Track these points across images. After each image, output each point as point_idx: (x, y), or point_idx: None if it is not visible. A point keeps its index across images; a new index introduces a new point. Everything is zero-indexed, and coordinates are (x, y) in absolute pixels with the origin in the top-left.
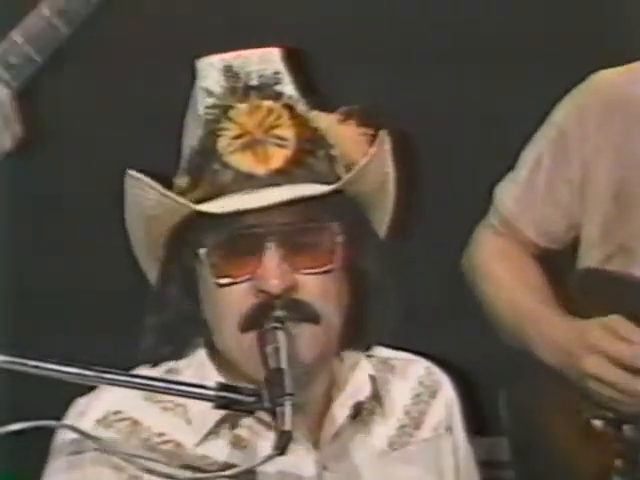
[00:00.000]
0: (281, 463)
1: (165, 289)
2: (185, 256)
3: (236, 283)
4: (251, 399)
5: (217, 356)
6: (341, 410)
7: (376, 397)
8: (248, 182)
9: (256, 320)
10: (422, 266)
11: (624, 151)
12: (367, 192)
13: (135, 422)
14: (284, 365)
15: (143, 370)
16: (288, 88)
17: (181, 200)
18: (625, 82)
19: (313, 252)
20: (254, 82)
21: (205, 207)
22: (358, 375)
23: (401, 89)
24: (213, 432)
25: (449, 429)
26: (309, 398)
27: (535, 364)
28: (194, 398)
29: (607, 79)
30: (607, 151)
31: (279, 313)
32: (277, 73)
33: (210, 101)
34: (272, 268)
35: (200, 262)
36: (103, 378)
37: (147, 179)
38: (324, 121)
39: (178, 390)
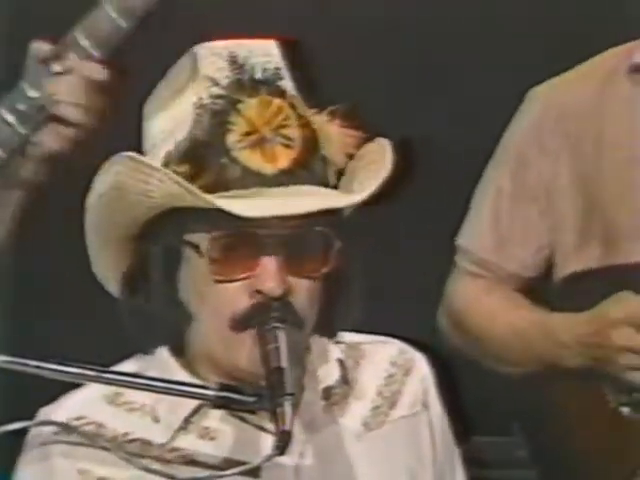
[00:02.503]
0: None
1: (143, 271)
2: (170, 240)
3: (232, 281)
4: (251, 399)
5: (183, 354)
6: (313, 396)
7: (345, 380)
8: (255, 179)
9: (251, 320)
10: (405, 250)
11: (579, 150)
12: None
13: (99, 425)
14: (284, 364)
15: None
16: (289, 85)
17: (208, 198)
18: (567, 90)
19: (310, 258)
20: (259, 75)
21: (230, 207)
22: (326, 361)
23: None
24: (182, 427)
25: (425, 405)
26: None
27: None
28: (194, 398)
29: (551, 92)
30: (564, 155)
31: (275, 314)
32: (278, 69)
33: (215, 91)
34: (272, 270)
35: (192, 252)
36: (103, 378)
37: (167, 170)
38: (315, 120)
39: (178, 390)
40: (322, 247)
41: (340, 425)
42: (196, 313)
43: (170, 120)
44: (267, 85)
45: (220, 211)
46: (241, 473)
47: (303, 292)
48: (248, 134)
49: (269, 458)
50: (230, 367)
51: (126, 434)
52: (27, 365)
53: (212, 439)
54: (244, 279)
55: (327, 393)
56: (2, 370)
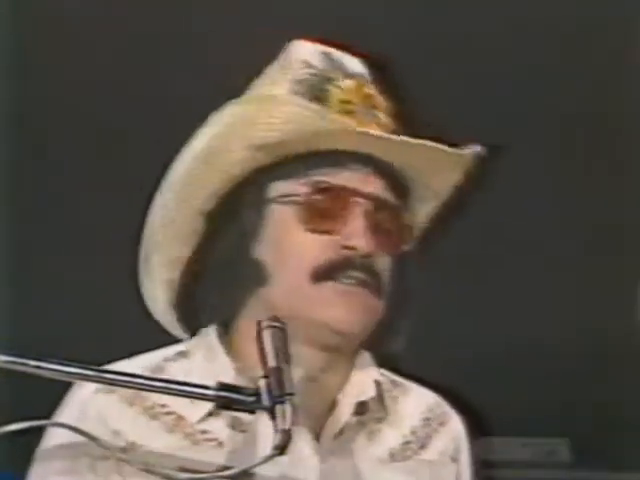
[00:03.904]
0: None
1: (211, 247)
2: (254, 198)
3: (321, 232)
4: (251, 399)
5: (227, 337)
6: (345, 409)
7: (380, 401)
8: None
9: (332, 273)
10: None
11: None
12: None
13: (138, 393)
14: (284, 364)
15: (158, 352)
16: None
17: (340, 118)
18: None
19: (388, 231)
20: (351, 71)
21: (346, 126)
22: (364, 379)
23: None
24: (214, 413)
25: (455, 460)
26: (316, 396)
27: None
28: (194, 398)
29: None
30: None
31: (356, 274)
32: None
33: (311, 70)
34: (363, 227)
35: (279, 205)
36: (104, 378)
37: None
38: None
39: (178, 390)
40: (397, 224)
41: (367, 446)
42: (275, 271)
43: None
44: (360, 77)
45: (315, 159)
46: (242, 474)
47: (384, 264)
48: (344, 102)
49: (269, 458)
50: (311, 324)
51: (164, 405)
52: (27, 365)
53: (243, 431)
54: (333, 233)
55: (360, 408)
56: (2, 370)
